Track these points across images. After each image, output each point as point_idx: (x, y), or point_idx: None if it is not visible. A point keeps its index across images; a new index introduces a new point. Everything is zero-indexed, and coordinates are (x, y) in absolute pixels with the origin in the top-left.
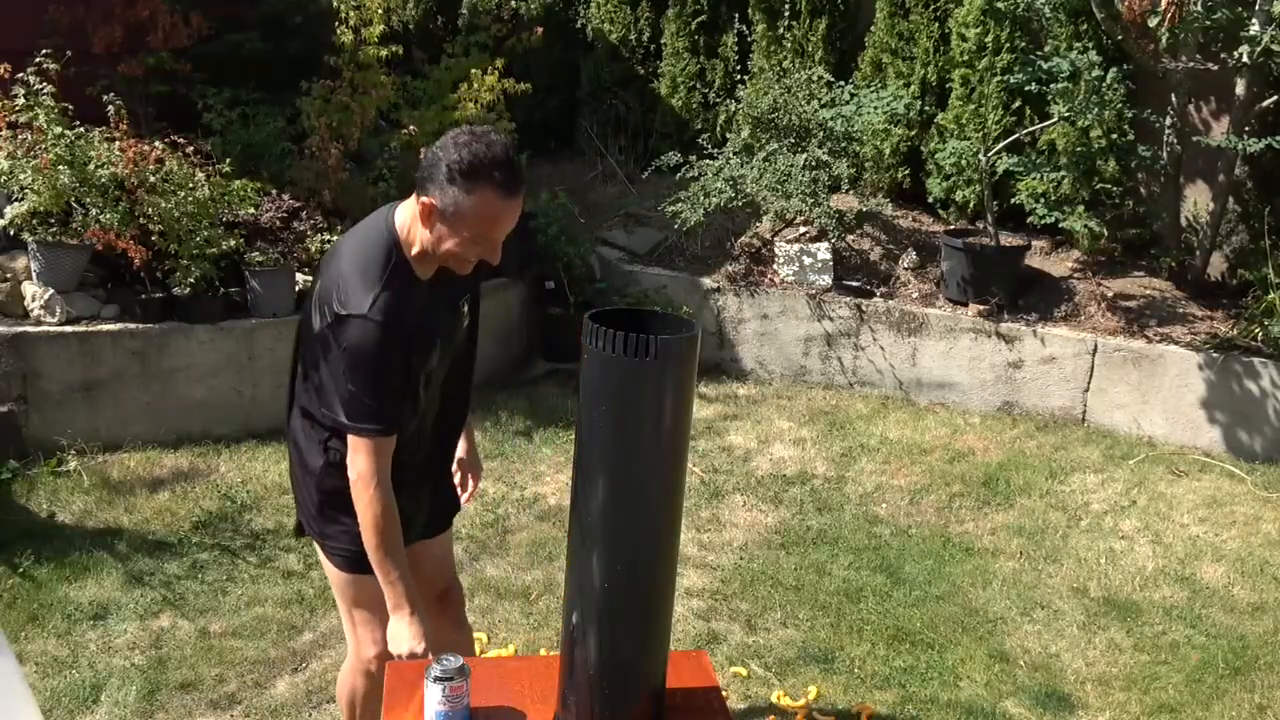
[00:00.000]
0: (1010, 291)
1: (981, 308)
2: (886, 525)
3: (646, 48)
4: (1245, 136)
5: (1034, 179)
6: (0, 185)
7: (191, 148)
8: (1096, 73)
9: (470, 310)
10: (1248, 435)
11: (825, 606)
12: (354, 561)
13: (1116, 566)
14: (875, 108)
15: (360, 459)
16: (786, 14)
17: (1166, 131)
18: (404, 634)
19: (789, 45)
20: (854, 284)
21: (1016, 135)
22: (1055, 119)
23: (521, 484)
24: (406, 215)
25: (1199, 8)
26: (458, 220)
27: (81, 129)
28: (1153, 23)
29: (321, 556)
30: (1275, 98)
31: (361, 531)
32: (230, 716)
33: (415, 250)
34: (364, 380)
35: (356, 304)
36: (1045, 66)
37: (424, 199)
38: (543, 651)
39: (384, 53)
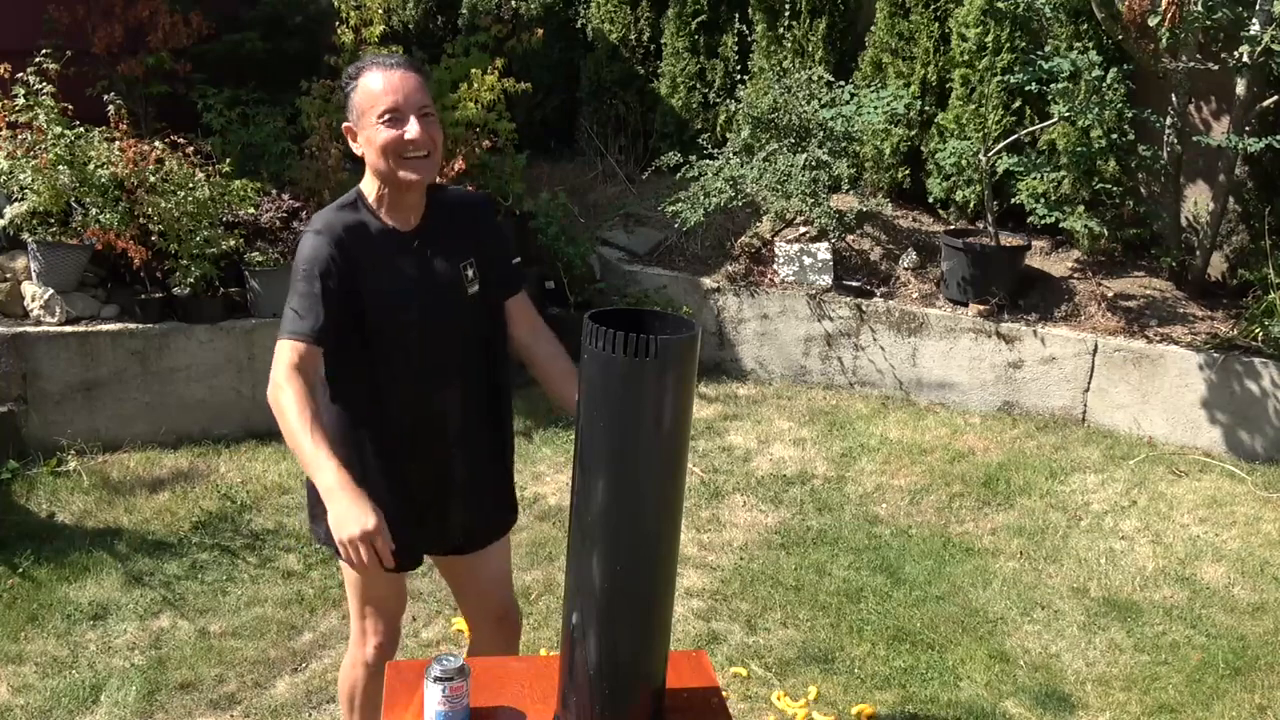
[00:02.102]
0: (1010, 291)
1: (982, 308)
2: (886, 525)
3: (646, 48)
4: (1245, 136)
5: (1034, 179)
6: (0, 185)
7: (191, 148)
8: (1096, 73)
9: (481, 281)
10: (1248, 435)
11: (825, 606)
12: None
13: (1117, 566)
14: (875, 108)
15: (274, 368)
16: (786, 14)
17: (1166, 131)
18: (348, 514)
19: (789, 45)
20: (854, 284)
21: (1016, 135)
22: (1055, 119)
23: (521, 484)
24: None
25: (1199, 7)
26: (361, 114)
27: (81, 129)
28: (1153, 22)
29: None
30: (1275, 98)
31: (283, 432)
32: (230, 716)
33: (376, 191)
34: (292, 288)
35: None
36: (1045, 66)
37: (344, 126)
38: (543, 651)
39: (384, 53)
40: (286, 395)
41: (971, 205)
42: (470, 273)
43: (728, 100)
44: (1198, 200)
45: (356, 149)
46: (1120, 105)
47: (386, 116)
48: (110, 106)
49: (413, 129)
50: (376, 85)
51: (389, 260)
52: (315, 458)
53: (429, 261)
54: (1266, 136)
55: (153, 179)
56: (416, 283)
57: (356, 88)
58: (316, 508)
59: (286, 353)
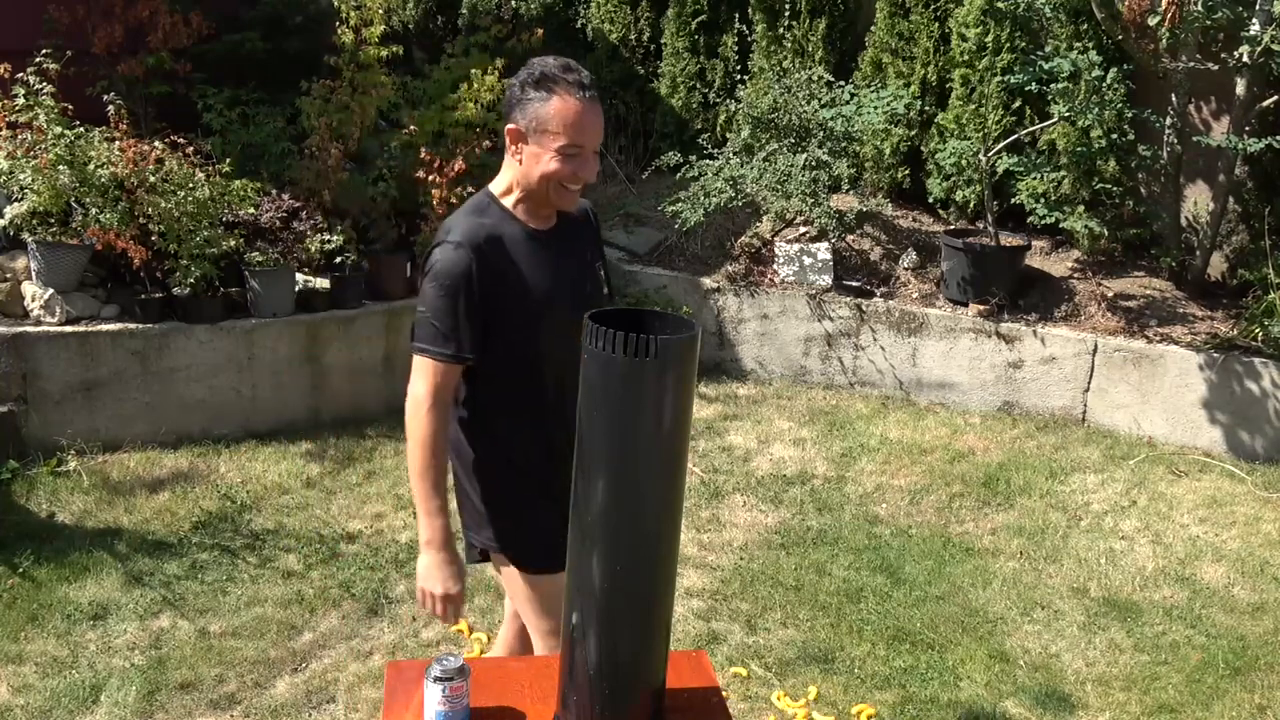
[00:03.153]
0: (1010, 291)
1: (982, 308)
2: (886, 525)
3: (646, 48)
4: (1245, 136)
5: (1034, 179)
6: (0, 185)
7: (191, 148)
8: (1096, 73)
9: (606, 277)
10: (1248, 435)
11: (825, 606)
12: (535, 554)
13: (1116, 566)
14: (875, 108)
15: (418, 381)
16: (786, 14)
17: (1166, 131)
18: (438, 573)
19: (789, 45)
20: (854, 284)
21: (1016, 135)
22: (1055, 119)
23: None
24: (502, 176)
25: (1199, 7)
26: (542, 132)
27: (81, 129)
28: (1153, 22)
29: (498, 565)
30: (1275, 98)
31: (408, 455)
32: (230, 716)
33: (516, 195)
34: (432, 301)
35: (442, 236)
36: (1045, 66)
37: (509, 126)
38: None
39: (384, 53)
40: (425, 426)
41: (971, 205)
42: (603, 273)
43: (728, 100)
44: (1198, 200)
45: (512, 151)
46: (1120, 105)
47: (570, 151)
48: (110, 106)
49: (587, 168)
50: (571, 114)
51: (535, 260)
52: (428, 504)
53: (567, 260)
54: (1266, 136)
55: (153, 179)
56: (563, 279)
57: (545, 102)
58: (471, 516)
59: (429, 373)
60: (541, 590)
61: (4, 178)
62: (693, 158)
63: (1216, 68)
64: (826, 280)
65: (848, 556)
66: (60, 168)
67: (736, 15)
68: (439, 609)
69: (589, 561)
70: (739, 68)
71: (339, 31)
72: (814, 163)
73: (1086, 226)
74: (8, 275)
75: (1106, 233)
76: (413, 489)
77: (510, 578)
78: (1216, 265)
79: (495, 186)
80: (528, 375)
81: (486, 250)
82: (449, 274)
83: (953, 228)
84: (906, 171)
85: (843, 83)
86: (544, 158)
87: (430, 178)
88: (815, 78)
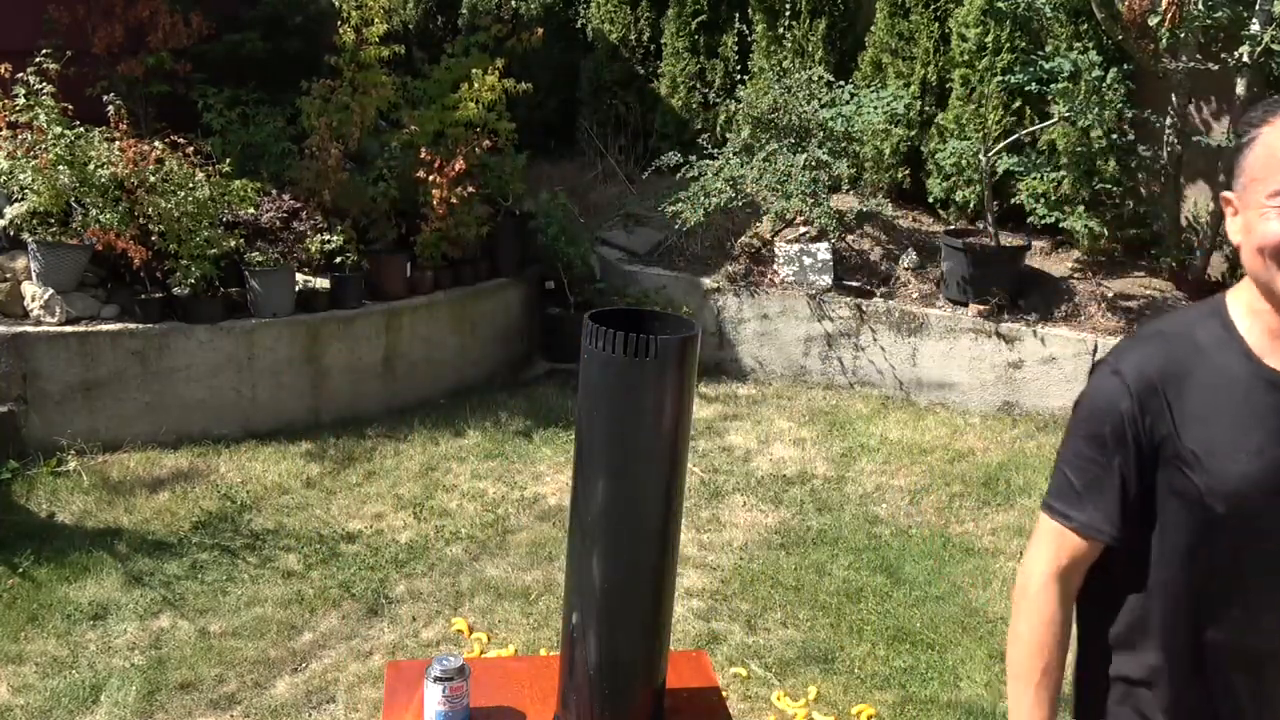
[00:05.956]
0: (1010, 291)
1: (982, 308)
2: (886, 525)
3: (646, 48)
4: None
5: (1034, 179)
6: (0, 185)
7: (191, 148)
8: (1097, 73)
9: None
10: None
11: (825, 606)
12: None
13: None
14: (875, 108)
15: (1035, 549)
16: (786, 14)
17: (1166, 131)
18: None
19: (789, 45)
20: (854, 284)
21: (1016, 135)
22: (1055, 119)
23: (521, 484)
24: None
25: (1199, 7)
26: (1249, 184)
27: (81, 129)
28: (1153, 22)
29: None
30: (1275, 97)
31: (1009, 650)
32: (230, 716)
33: (1247, 302)
34: (1071, 443)
35: (1110, 354)
36: (1046, 66)
37: (1224, 195)
38: (543, 651)
39: (384, 52)
40: (1035, 614)
41: (971, 205)
42: None
43: (728, 100)
44: (1198, 200)
45: (1232, 233)
46: (1120, 105)
47: None
48: (110, 106)
49: None
50: None
51: (1249, 414)
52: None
53: None
54: None
55: (153, 179)
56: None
57: (1251, 144)
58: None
59: (1051, 543)
60: None
61: (4, 178)
62: (693, 158)
63: (1216, 68)
64: (826, 280)
65: (848, 556)
66: (60, 168)
67: (736, 15)
68: None
69: (589, 561)
70: (739, 68)
71: (340, 31)
72: (814, 163)
73: (1086, 226)
74: (8, 275)
75: (1106, 233)
76: (1011, 696)
77: None
78: (1216, 265)
79: (1232, 297)
80: (1200, 580)
81: (1160, 388)
82: (1096, 411)
83: (953, 228)
84: (906, 171)
85: (843, 83)
86: (1252, 222)
87: (430, 178)
88: (815, 78)
